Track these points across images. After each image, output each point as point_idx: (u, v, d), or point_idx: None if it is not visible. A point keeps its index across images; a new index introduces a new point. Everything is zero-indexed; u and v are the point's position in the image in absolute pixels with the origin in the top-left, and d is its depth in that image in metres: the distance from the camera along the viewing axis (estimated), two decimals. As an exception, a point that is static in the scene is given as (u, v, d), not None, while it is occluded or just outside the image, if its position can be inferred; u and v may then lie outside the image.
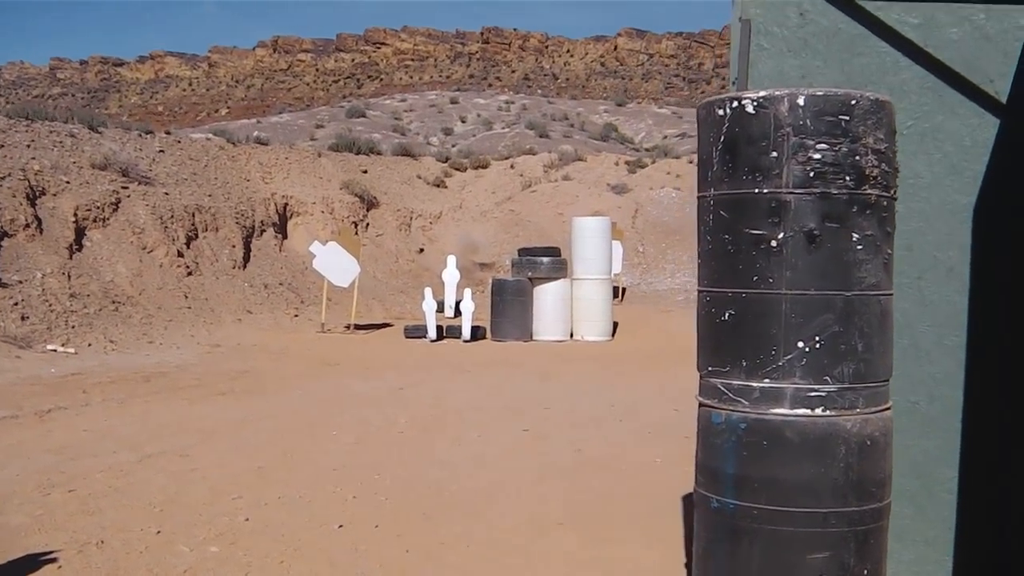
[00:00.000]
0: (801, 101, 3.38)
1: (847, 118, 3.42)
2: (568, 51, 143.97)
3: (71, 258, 18.46)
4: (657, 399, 12.25)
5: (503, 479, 8.01)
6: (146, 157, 23.77)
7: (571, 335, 19.68)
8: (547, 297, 19.47)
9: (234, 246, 22.71)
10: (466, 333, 19.31)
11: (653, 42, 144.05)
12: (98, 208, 20.00)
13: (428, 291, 19.96)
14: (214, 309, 19.79)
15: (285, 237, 25.38)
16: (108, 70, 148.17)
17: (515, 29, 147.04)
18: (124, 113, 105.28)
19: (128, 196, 21.06)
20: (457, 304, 22.96)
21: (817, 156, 3.38)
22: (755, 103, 3.42)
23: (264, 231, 24.48)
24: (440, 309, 21.39)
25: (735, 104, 3.47)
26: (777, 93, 3.41)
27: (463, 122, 67.85)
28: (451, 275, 21.27)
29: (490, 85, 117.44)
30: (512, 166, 37.86)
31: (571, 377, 14.42)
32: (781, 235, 3.40)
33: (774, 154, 3.39)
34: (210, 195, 23.58)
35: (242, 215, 23.76)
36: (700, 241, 3.79)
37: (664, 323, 22.62)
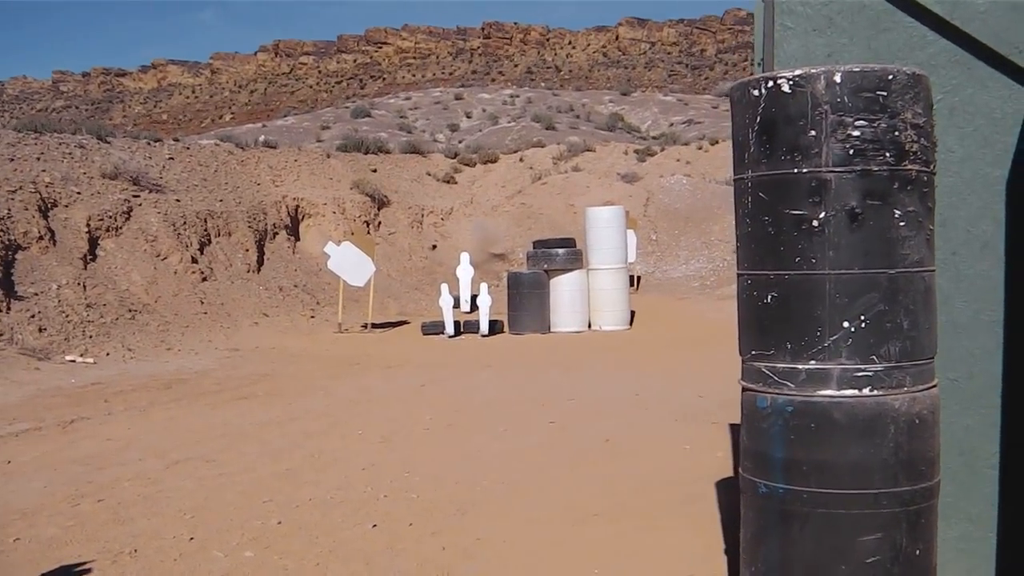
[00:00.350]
0: (838, 78, 3.34)
1: (885, 93, 3.37)
2: (570, 43, 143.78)
3: (86, 268, 18.48)
4: (680, 386, 12.21)
5: (534, 472, 7.98)
6: (156, 165, 23.78)
7: (589, 325, 19.66)
8: (564, 288, 19.45)
9: (247, 250, 22.72)
10: (484, 327, 19.32)
11: (654, 30, 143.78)
12: (110, 217, 20.01)
13: (444, 287, 19.97)
14: (230, 314, 19.80)
15: (298, 239, 25.39)
16: (111, 81, 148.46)
17: (516, 23, 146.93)
18: (128, 123, 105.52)
19: (140, 204, 21.08)
20: (473, 299, 22.95)
21: (856, 133, 3.34)
22: (791, 82, 3.38)
23: (277, 234, 24.49)
24: (457, 304, 21.35)
25: (771, 84, 3.43)
26: (813, 71, 3.37)
27: (469, 118, 67.85)
28: (465, 271, 21.21)
29: (493, 80, 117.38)
30: (521, 159, 37.84)
31: (593, 367, 14.40)
32: (823, 215, 3.36)
33: (812, 133, 3.35)
34: (221, 200, 23.58)
35: (254, 219, 23.76)
36: (738, 224, 3.75)
37: (681, 310, 22.61)
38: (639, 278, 27.90)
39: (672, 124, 65.49)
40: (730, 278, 27.12)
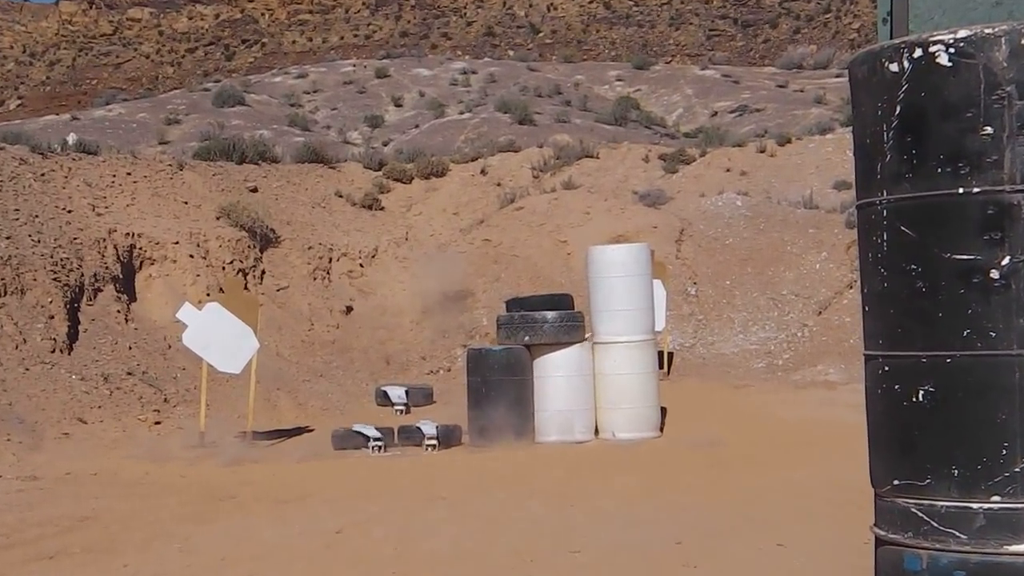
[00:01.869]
0: (1030, 41, 3.32)
1: (1109, 65, 3.35)
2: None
3: None
4: (746, 527, 12.18)
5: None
6: (-97, 182, 23.67)
7: (596, 431, 19.58)
8: (555, 374, 19.40)
9: (52, 317, 22.55)
10: (429, 431, 19.31)
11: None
12: None
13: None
14: (24, 419, 19.63)
15: (134, 299, 25.25)
16: None
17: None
18: None
19: None
20: (409, 393, 22.86)
21: (1061, 130, 3.32)
22: (952, 49, 3.36)
23: (99, 291, 24.32)
24: (386, 400, 21.25)
25: (918, 54, 3.40)
26: (989, 31, 3.34)
27: (398, 106, 67.98)
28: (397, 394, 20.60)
29: (434, 46, 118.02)
30: (483, 171, 37.87)
31: (605, 500, 14.32)
32: (1006, 260, 3.32)
33: (988, 130, 3.32)
34: (9, 238, 23.47)
35: (62, 267, 23.59)
36: (866, 276, 3.71)
37: (738, 404, 22.57)
38: (671, 356, 27.88)
39: (716, 113, 65.91)
40: (813, 354, 27.17)
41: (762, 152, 38.91)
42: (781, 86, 69.29)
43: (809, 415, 20.14)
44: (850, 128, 3.68)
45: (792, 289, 29.89)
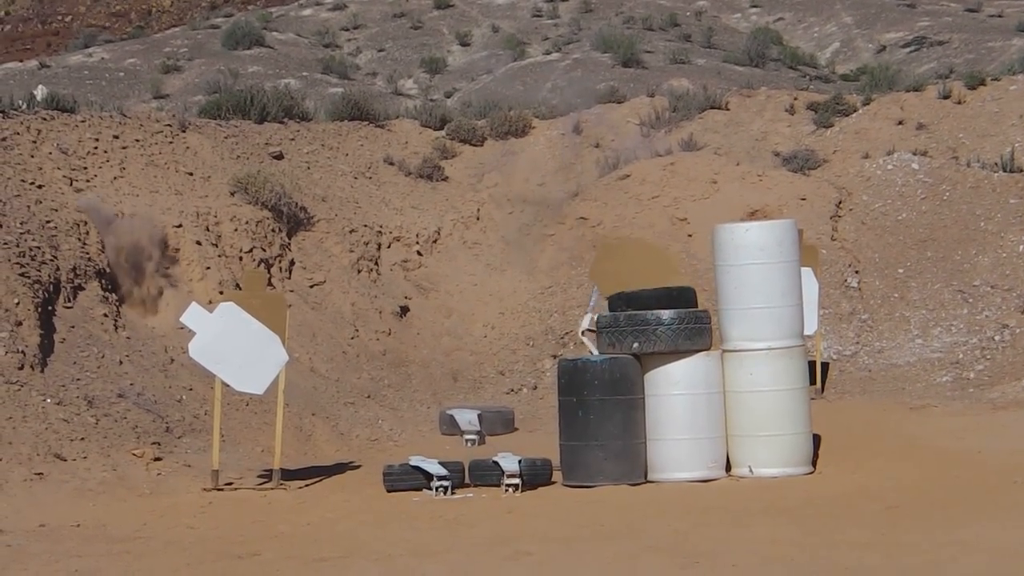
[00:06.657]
0: None
1: None
2: None
3: None
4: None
5: None
6: None
7: (728, 467, 19.51)
8: (674, 392, 19.28)
9: (19, 323, 22.54)
10: (510, 467, 19.31)
11: None
12: None
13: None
14: (-14, 455, 19.73)
15: (123, 300, 25.26)
16: None
17: None
18: None
19: None
20: (481, 417, 22.75)
21: None
22: None
23: (80, 289, 24.28)
24: (453, 427, 21.21)
25: None
26: None
27: (464, 46, 68.05)
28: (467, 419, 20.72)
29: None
30: (577, 128, 37.73)
31: (744, 557, 14.25)
32: None
33: None
34: (-37, 220, 23.60)
35: (31, 259, 23.56)
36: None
37: (917, 432, 22.28)
38: (826, 367, 27.71)
39: (884, 48, 65.62)
40: (1017, 364, 26.72)
41: (946, 98, 38.50)
42: (972, 10, 68.70)
43: (1014, 446, 19.78)
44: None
45: (987, 279, 29.57)
